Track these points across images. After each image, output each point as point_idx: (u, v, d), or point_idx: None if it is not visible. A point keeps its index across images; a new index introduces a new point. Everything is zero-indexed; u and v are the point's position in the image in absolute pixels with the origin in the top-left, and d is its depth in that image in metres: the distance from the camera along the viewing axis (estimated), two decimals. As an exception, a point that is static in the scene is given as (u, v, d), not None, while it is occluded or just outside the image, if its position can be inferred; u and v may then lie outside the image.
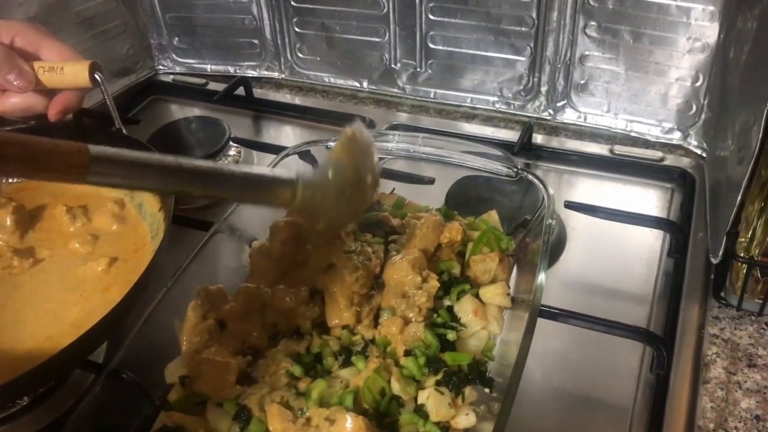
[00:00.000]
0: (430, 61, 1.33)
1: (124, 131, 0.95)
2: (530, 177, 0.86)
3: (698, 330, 0.87)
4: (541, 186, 0.85)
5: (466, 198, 1.02)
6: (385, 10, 1.30)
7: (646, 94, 1.18)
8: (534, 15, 1.18)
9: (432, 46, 1.31)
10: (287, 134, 1.38)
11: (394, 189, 0.98)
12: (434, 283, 0.76)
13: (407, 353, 0.71)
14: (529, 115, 1.30)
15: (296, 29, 1.41)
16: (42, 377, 0.74)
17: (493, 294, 0.78)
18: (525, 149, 1.18)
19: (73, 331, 0.77)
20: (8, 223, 0.91)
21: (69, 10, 1.35)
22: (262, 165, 1.24)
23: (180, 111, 1.47)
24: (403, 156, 0.93)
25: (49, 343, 0.77)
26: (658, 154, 1.17)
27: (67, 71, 0.88)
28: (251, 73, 1.50)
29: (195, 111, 1.45)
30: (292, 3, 1.37)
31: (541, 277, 0.72)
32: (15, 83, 0.86)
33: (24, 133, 0.98)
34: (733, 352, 0.85)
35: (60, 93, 0.91)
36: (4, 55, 0.85)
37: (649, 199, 1.12)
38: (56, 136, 0.98)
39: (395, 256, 0.79)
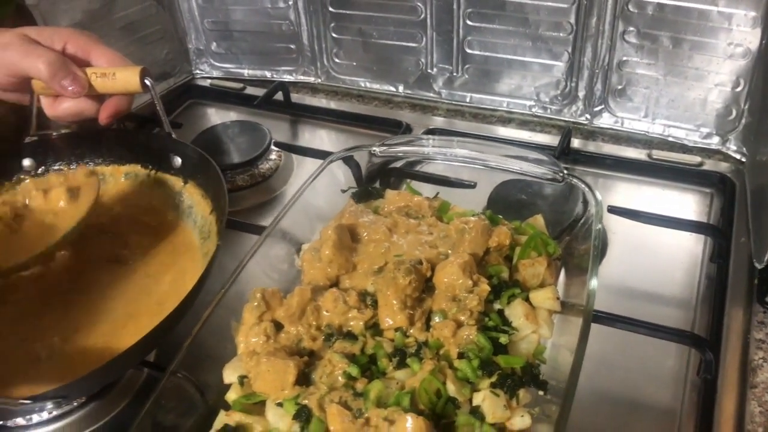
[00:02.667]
0: (466, 66, 1.35)
1: (173, 135, 0.97)
2: (576, 181, 0.87)
3: (744, 334, 0.87)
4: (588, 190, 0.86)
5: (508, 202, 1.03)
6: (423, 15, 1.32)
7: (684, 99, 1.19)
8: (572, 21, 1.19)
9: (469, 50, 1.32)
10: (324, 138, 1.40)
11: (438, 193, 0.99)
12: (485, 287, 0.77)
13: (460, 356, 0.72)
14: (566, 119, 1.31)
15: (333, 34, 1.43)
16: (112, 372, 0.76)
17: (543, 298, 0.79)
18: (564, 153, 1.19)
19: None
20: None
21: (111, 16, 1.38)
22: (302, 169, 1.27)
23: (217, 115, 1.50)
24: (455, 160, 0.94)
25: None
26: (697, 158, 1.18)
27: (118, 77, 0.91)
28: (287, 77, 1.52)
29: (232, 115, 1.47)
30: (330, 9, 1.39)
31: (594, 282, 0.74)
32: (70, 89, 0.89)
33: (76, 135, 1.02)
34: (779, 357, 0.86)
35: (110, 98, 0.94)
36: (59, 61, 0.88)
37: (687, 203, 1.13)
38: (106, 140, 1.03)
39: (445, 259, 0.81)
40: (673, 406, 0.82)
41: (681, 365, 0.86)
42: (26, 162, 1.00)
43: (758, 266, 0.91)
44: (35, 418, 0.85)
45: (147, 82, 0.91)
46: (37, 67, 0.86)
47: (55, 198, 0.94)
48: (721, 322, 0.89)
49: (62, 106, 0.93)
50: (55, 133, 1.00)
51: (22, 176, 1.00)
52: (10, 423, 0.85)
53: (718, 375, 0.81)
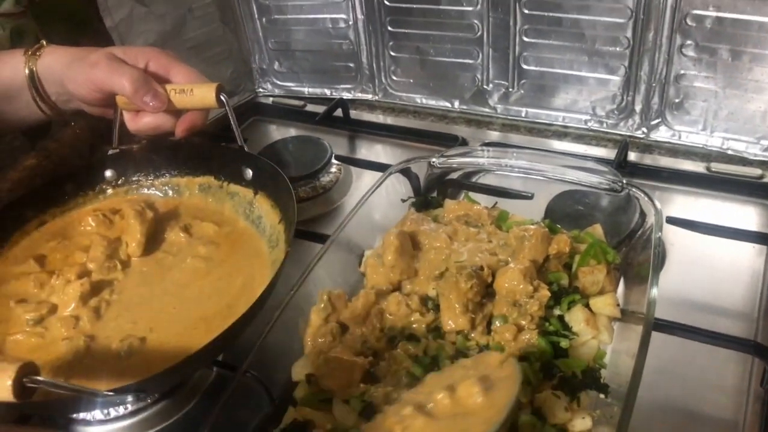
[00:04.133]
0: (522, 81, 1.37)
1: (246, 149, 1.02)
2: (636, 191, 0.89)
3: (808, 346, 0.86)
4: (647, 199, 0.87)
5: (565, 213, 1.04)
6: (480, 33, 1.35)
7: (744, 112, 1.18)
8: (629, 35, 1.21)
9: (525, 66, 1.35)
10: (381, 153, 1.44)
11: (496, 203, 1.02)
12: (545, 293, 0.79)
13: (522, 359, 0.74)
14: (622, 133, 1.31)
15: (391, 53, 1.48)
16: (187, 370, 0.81)
17: (603, 304, 0.81)
18: (621, 166, 1.20)
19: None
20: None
21: (181, 37, 1.45)
22: (361, 182, 1.31)
23: (279, 131, 1.56)
24: (513, 171, 0.97)
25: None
26: (758, 171, 1.17)
27: (196, 93, 0.96)
28: (346, 95, 1.57)
29: (293, 131, 1.53)
30: (389, 28, 1.44)
31: (654, 291, 0.75)
32: (151, 104, 0.95)
33: (154, 148, 1.08)
34: None
35: (187, 112, 1.00)
36: (142, 79, 0.94)
37: (748, 216, 1.12)
38: (182, 153, 1.08)
39: (506, 266, 0.83)
40: (735, 417, 0.81)
41: (743, 376, 0.86)
42: (108, 173, 1.07)
43: (822, 278, 0.90)
44: (112, 413, 0.91)
45: (222, 97, 0.96)
46: (122, 83, 0.92)
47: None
48: (785, 332, 0.88)
49: (143, 121, 0.98)
50: (135, 146, 1.07)
51: (104, 186, 1.07)
52: (89, 416, 0.90)
53: (782, 385, 0.81)
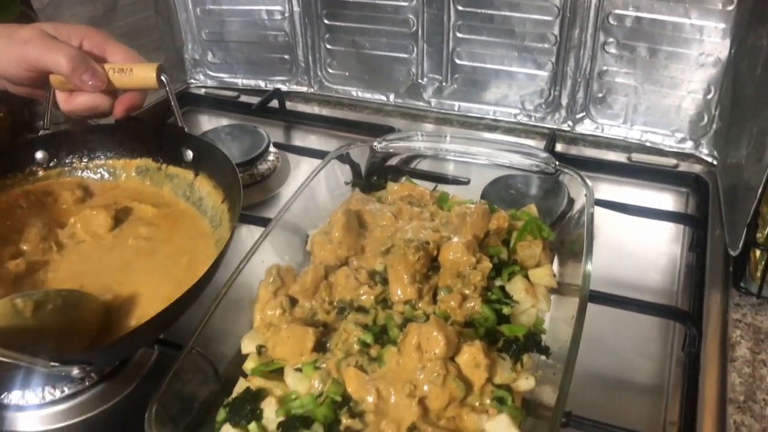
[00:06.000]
0: (455, 76, 1.42)
1: (186, 129, 1.01)
2: (568, 171, 0.94)
3: (723, 314, 0.94)
4: (579, 179, 0.92)
5: (499, 196, 1.09)
6: (415, 27, 1.39)
7: (660, 106, 1.28)
8: (556, 32, 1.28)
9: (458, 61, 1.40)
10: (317, 143, 1.45)
11: (436, 187, 1.05)
12: (487, 264, 0.83)
13: (467, 325, 0.77)
14: (549, 126, 1.38)
15: (327, 46, 1.50)
16: (134, 343, 0.80)
17: (541, 275, 0.85)
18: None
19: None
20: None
21: (112, 24, 1.42)
22: (299, 170, 1.32)
23: (212, 122, 1.54)
24: (458, 156, 1.01)
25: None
26: (673, 161, 1.26)
27: (135, 72, 0.95)
28: (281, 87, 1.57)
29: (226, 122, 1.52)
30: (325, 21, 1.46)
31: (590, 259, 0.80)
32: (90, 83, 0.92)
33: (89, 129, 1.06)
34: (756, 335, 0.92)
35: (125, 93, 0.98)
36: (79, 57, 0.91)
37: (666, 201, 1.20)
38: (118, 134, 1.06)
39: (449, 240, 0.86)
40: (661, 379, 0.88)
41: (666, 343, 0.92)
42: (39, 155, 1.03)
43: (733, 254, 0.98)
44: (48, 396, 0.88)
45: (163, 78, 0.95)
46: (59, 62, 0.89)
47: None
48: (701, 304, 0.96)
49: (77, 101, 0.96)
50: (68, 127, 1.04)
51: (34, 168, 1.03)
52: (23, 400, 0.87)
53: (701, 349, 0.88)
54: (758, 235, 0.96)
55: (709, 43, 1.17)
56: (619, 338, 0.93)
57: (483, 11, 1.32)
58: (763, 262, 0.95)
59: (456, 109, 1.46)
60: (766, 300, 0.97)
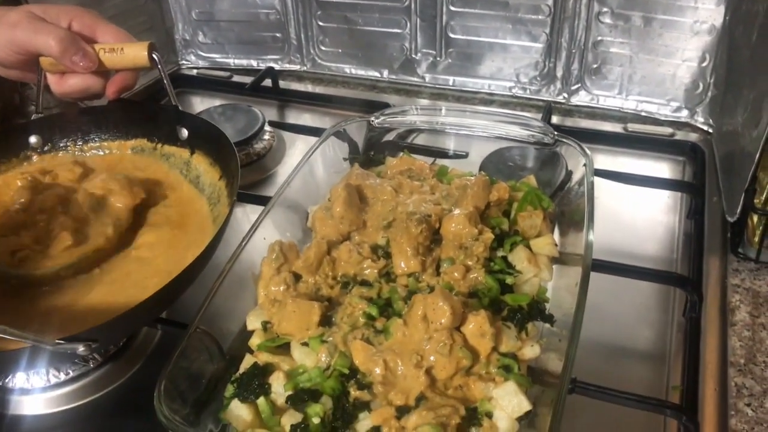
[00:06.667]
0: (449, 50, 1.41)
1: (180, 107, 1.01)
2: (567, 140, 0.94)
3: (722, 280, 0.95)
4: (578, 148, 0.92)
5: (498, 169, 1.09)
6: (407, 2, 1.38)
7: (655, 76, 1.27)
8: (550, 3, 1.27)
9: (452, 35, 1.39)
10: (314, 121, 1.44)
11: (434, 161, 1.05)
12: (489, 235, 0.83)
13: (471, 296, 0.78)
14: (545, 98, 1.38)
15: (319, 23, 1.48)
16: (138, 318, 0.80)
17: (542, 244, 0.85)
18: (546, 127, 1.26)
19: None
20: None
21: (101, 5, 1.40)
22: (294, 149, 1.31)
23: (204, 103, 1.53)
24: (458, 129, 1.00)
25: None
26: (669, 130, 1.26)
27: (127, 52, 0.94)
28: (274, 66, 1.56)
29: (218, 102, 1.50)
30: (316, -3, 1.44)
31: (592, 226, 0.80)
32: (80, 64, 0.91)
33: (82, 111, 1.05)
34: (755, 299, 0.93)
35: (117, 73, 0.97)
36: (68, 38, 0.90)
37: (663, 170, 1.21)
38: (112, 115, 1.05)
39: (450, 212, 0.86)
40: (663, 345, 0.89)
41: (666, 309, 0.93)
42: (33, 139, 1.02)
43: (730, 220, 0.98)
44: (53, 379, 0.88)
45: (155, 56, 0.94)
46: (48, 43, 0.88)
47: None
48: (701, 269, 0.96)
49: (69, 83, 0.95)
50: (61, 111, 1.03)
51: (29, 152, 1.02)
52: (28, 384, 0.87)
53: (701, 314, 0.89)
54: (756, 200, 0.97)
55: (703, 10, 1.16)
56: (620, 306, 0.93)
57: (476, -17, 1.31)
58: (760, 228, 0.96)
59: (450, 83, 1.45)
60: (764, 264, 0.97)
